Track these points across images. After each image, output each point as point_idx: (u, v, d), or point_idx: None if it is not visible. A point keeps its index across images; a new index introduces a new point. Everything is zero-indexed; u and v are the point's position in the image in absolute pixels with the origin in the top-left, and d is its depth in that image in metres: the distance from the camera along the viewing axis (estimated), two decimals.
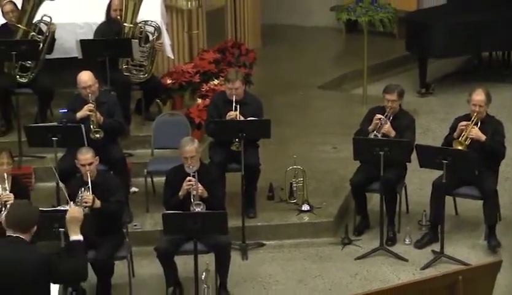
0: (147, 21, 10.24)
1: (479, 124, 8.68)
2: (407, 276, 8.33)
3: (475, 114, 8.70)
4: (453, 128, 8.85)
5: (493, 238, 8.80)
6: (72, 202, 7.98)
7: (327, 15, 14.07)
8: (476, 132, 8.64)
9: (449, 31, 12.26)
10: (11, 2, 10.34)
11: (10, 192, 8.04)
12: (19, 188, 8.20)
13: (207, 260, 7.98)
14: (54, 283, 5.74)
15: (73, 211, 5.97)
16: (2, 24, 10.25)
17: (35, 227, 5.74)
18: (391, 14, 11.91)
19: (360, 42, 12.09)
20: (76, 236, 5.85)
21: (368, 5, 11.89)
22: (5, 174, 8.08)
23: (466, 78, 12.66)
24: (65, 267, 5.75)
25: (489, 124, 8.76)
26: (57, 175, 8.28)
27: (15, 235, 5.64)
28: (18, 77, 9.95)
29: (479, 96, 8.73)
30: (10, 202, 7.93)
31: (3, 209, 7.92)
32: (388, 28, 12.28)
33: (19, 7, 10.18)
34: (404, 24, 12.88)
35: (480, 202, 8.82)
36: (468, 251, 8.79)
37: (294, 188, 9.42)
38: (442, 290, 6.66)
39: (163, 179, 8.55)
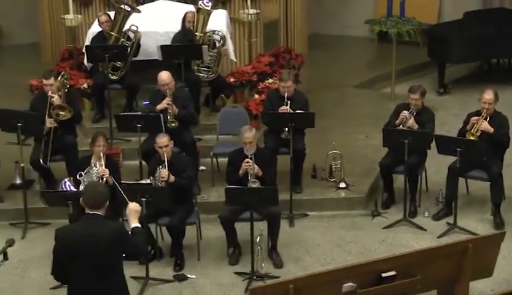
0: (215, 30, 10.25)
1: (488, 119, 8.57)
2: (426, 243, 8.24)
3: (485, 110, 8.59)
4: (466, 122, 8.74)
5: (498, 213, 8.69)
6: (151, 177, 8.08)
7: (362, 27, 13.95)
8: (485, 125, 8.53)
9: (464, 41, 12.11)
10: (106, 13, 10.46)
11: (105, 167, 8.12)
12: (111, 164, 8.27)
13: (261, 227, 7.99)
14: (124, 249, 5.66)
15: (132, 206, 5.91)
16: (98, 32, 10.35)
17: (108, 202, 5.68)
18: (416, 26, 11.78)
19: (389, 49, 11.97)
20: (136, 224, 5.82)
21: (397, 19, 11.75)
22: (101, 154, 8.15)
23: (478, 80, 12.48)
24: (133, 243, 5.72)
25: (496, 119, 8.64)
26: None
27: (92, 213, 5.59)
28: (110, 75, 10.04)
29: (488, 95, 8.62)
30: (106, 176, 8.01)
31: (101, 181, 8.00)
32: (413, 38, 12.16)
33: (112, 18, 10.28)
34: (427, 35, 12.74)
35: (488, 183, 8.71)
36: (476, 224, 8.68)
37: (334, 169, 9.38)
38: (455, 255, 6.60)
39: (226, 159, 8.56)
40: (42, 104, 8.86)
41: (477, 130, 8.51)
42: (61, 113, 8.83)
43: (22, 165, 8.76)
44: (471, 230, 8.45)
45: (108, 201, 5.69)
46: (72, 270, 5.65)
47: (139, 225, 5.83)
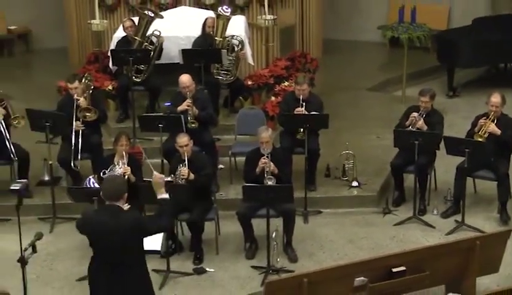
0: (233, 35, 10.25)
1: (495, 121, 8.53)
2: (434, 240, 8.22)
3: (492, 113, 8.55)
4: (474, 124, 8.70)
5: (504, 212, 8.64)
6: (172, 175, 8.09)
7: (375, 33, 13.91)
8: (492, 127, 8.49)
9: (472, 46, 12.06)
10: (131, 19, 10.50)
11: (127, 166, 8.14)
12: (134, 163, 8.29)
13: (277, 223, 7.99)
14: (144, 237, 5.74)
15: (155, 177, 5.88)
16: (122, 37, 10.38)
17: (126, 194, 5.73)
18: (426, 32, 11.75)
19: (400, 54, 11.94)
20: (162, 195, 5.80)
21: (408, 25, 11.72)
22: (124, 153, 8.18)
23: (486, 84, 12.41)
24: (153, 225, 5.77)
25: (503, 121, 8.59)
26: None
27: (109, 203, 5.64)
28: (134, 77, 10.07)
29: (495, 98, 8.58)
30: (128, 173, 8.04)
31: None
32: (423, 43, 12.13)
33: (136, 23, 10.30)
34: (437, 41, 12.69)
35: (495, 183, 8.67)
36: (484, 222, 8.63)
37: (346, 169, 9.36)
38: (462, 251, 6.58)
39: (244, 158, 8.56)
40: (69, 105, 8.92)
41: (485, 132, 8.47)
42: (88, 114, 8.89)
43: (50, 162, 8.82)
44: (479, 228, 8.41)
45: (126, 194, 5.72)
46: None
47: (166, 195, 5.79)
